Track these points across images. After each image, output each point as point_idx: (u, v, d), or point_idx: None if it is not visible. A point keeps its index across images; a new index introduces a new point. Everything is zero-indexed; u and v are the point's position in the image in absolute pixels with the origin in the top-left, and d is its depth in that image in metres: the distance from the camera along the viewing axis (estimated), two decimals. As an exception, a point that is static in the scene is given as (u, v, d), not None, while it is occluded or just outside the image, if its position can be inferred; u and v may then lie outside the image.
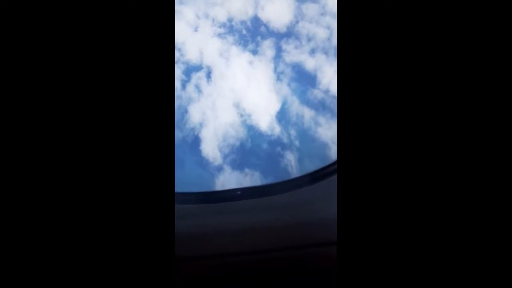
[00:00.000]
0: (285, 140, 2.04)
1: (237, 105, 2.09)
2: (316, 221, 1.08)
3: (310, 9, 2.33)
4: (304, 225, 1.08)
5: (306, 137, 2.04)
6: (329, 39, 2.26)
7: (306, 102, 2.14)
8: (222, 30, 2.30)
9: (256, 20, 2.32)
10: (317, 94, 2.17)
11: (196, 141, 1.99)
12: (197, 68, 2.19)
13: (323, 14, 2.31)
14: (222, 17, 2.33)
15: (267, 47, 2.26)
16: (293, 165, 1.97)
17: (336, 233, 0.67)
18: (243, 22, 2.32)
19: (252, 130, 2.06)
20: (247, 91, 2.13)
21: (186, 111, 2.05)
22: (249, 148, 2.03)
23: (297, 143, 2.02)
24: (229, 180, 1.91)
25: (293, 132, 2.06)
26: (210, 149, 1.97)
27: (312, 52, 2.26)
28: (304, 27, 2.30)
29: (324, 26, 2.30)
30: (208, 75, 2.17)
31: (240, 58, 2.21)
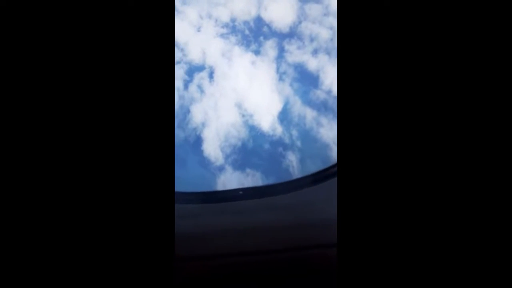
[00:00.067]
0: (287, 140, 2.04)
1: (239, 105, 2.10)
2: (318, 222, 1.07)
3: (313, 10, 2.33)
4: (305, 226, 1.08)
5: (308, 137, 2.04)
6: (332, 39, 2.26)
7: (308, 102, 2.14)
8: (224, 30, 2.30)
9: (259, 20, 2.32)
10: (320, 94, 2.17)
11: (198, 141, 2.00)
12: (200, 68, 2.20)
13: (326, 14, 2.31)
14: (225, 17, 2.33)
15: (270, 47, 2.26)
16: (294, 165, 1.97)
17: (337, 234, 0.67)
18: (246, 23, 2.32)
19: (254, 130, 2.06)
20: (249, 91, 2.13)
21: (188, 111, 2.05)
22: (251, 148, 2.03)
23: (298, 143, 2.02)
24: (230, 180, 1.91)
25: (295, 133, 2.06)
26: (212, 149, 1.98)
27: (315, 52, 2.25)
28: (307, 28, 2.30)
29: (327, 26, 2.29)
30: (211, 75, 2.17)
31: (242, 58, 2.22)
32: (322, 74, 2.20)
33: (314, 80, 2.20)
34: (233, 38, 2.28)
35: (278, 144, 2.02)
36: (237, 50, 2.24)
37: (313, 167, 1.94)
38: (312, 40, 2.26)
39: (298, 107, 2.13)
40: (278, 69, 2.20)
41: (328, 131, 2.05)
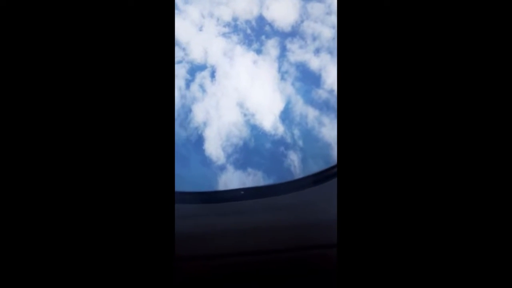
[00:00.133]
0: (289, 140, 2.04)
1: (240, 105, 2.09)
2: (319, 222, 1.07)
3: (316, 9, 2.32)
4: (306, 226, 1.08)
5: (310, 137, 2.04)
6: (334, 38, 2.25)
7: (310, 102, 2.14)
8: (226, 30, 2.30)
9: (261, 19, 2.32)
10: (322, 94, 2.16)
11: (200, 140, 2.00)
12: (202, 67, 2.20)
13: (328, 13, 2.30)
14: (227, 16, 2.32)
15: (272, 46, 2.25)
16: (296, 165, 1.97)
17: (337, 235, 0.67)
18: (247, 22, 2.32)
19: (255, 130, 2.06)
20: (251, 90, 2.13)
21: (190, 110, 2.06)
22: (252, 147, 2.03)
23: (300, 143, 2.02)
24: (231, 179, 1.91)
25: (296, 132, 2.05)
26: (214, 148, 1.98)
27: (317, 51, 2.25)
28: (309, 27, 2.29)
29: (329, 25, 2.29)
30: (212, 75, 2.17)
31: (244, 58, 2.21)
32: (324, 73, 2.19)
33: (316, 79, 2.19)
34: (235, 37, 2.27)
35: (279, 143, 2.02)
36: (239, 49, 2.24)
37: (315, 167, 1.94)
38: (314, 39, 2.25)
39: (300, 107, 2.12)
40: (280, 68, 2.19)
41: (330, 131, 2.04)
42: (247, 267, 1.06)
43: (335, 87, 2.11)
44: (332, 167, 1.19)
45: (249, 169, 1.91)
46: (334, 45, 2.20)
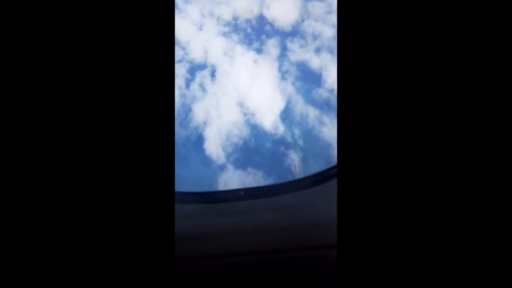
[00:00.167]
0: (289, 139, 2.04)
1: (241, 104, 2.09)
2: (319, 222, 1.07)
3: (316, 8, 2.32)
4: (307, 226, 1.08)
5: (310, 136, 2.04)
6: (335, 37, 2.25)
7: (311, 101, 2.13)
8: (227, 29, 2.29)
9: (261, 18, 2.31)
10: (322, 93, 2.16)
11: (200, 140, 2.00)
12: (202, 66, 2.19)
13: (329, 12, 2.30)
14: (227, 15, 2.32)
15: (272, 46, 2.25)
16: (296, 164, 1.97)
17: (337, 235, 0.67)
18: (248, 21, 2.31)
19: (255, 129, 2.06)
20: (251, 90, 2.13)
21: (190, 110, 2.05)
22: (253, 147, 2.02)
23: (301, 142, 2.02)
24: (231, 179, 1.91)
25: (297, 132, 2.05)
26: (214, 147, 1.97)
27: (318, 50, 2.24)
28: (310, 26, 2.29)
29: (330, 24, 2.28)
30: (213, 74, 2.17)
31: (244, 57, 2.21)
32: (324, 73, 2.19)
33: (317, 78, 2.19)
34: (235, 37, 2.27)
35: (280, 143, 2.02)
36: (239, 48, 2.23)
37: (315, 166, 1.93)
38: (315, 38, 2.25)
39: (301, 106, 2.12)
40: (280, 67, 2.19)
41: (330, 130, 2.04)
42: (247, 267, 1.06)
43: (335, 87, 2.10)
44: (332, 167, 1.19)
45: (249, 169, 1.91)
46: (334, 44, 2.20)
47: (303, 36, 2.25)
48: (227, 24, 2.30)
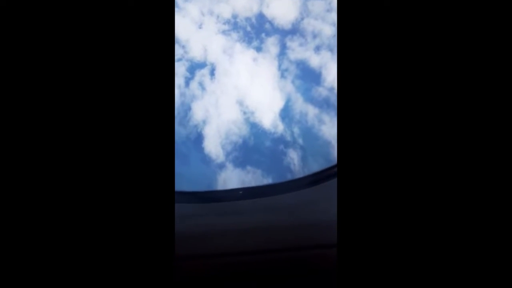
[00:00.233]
0: (288, 138, 2.04)
1: (240, 103, 2.09)
2: (319, 222, 1.08)
3: (316, 6, 2.31)
4: (306, 226, 1.08)
5: (310, 135, 2.03)
6: (334, 36, 2.24)
7: (310, 99, 2.13)
8: (226, 27, 2.29)
9: (261, 17, 2.31)
10: (322, 91, 2.15)
11: (199, 138, 1.99)
12: (201, 65, 2.19)
13: (329, 10, 2.29)
14: (226, 14, 2.31)
15: (272, 44, 2.24)
16: (296, 163, 1.96)
17: (337, 235, 0.67)
18: (247, 19, 2.31)
19: (255, 128, 2.06)
20: (250, 88, 2.12)
21: (189, 108, 2.05)
22: (252, 145, 2.02)
23: (300, 141, 2.01)
24: (231, 177, 1.91)
25: (296, 130, 2.05)
26: (213, 146, 1.97)
27: (317, 49, 2.24)
28: (310, 24, 2.28)
29: (329, 23, 2.27)
30: (212, 72, 2.16)
31: (244, 55, 2.20)
32: (324, 71, 2.19)
33: (316, 77, 2.19)
34: (234, 35, 2.26)
35: (279, 141, 2.02)
36: (239, 47, 2.23)
37: (315, 165, 1.93)
38: (314, 36, 2.24)
39: (300, 105, 2.12)
40: (280, 66, 2.19)
41: (330, 129, 2.04)
42: (247, 266, 1.07)
43: (335, 85, 2.10)
44: (332, 167, 1.19)
45: (249, 167, 1.91)
46: (334, 42, 2.19)
47: (302, 35, 2.24)
48: (227, 22, 2.29)
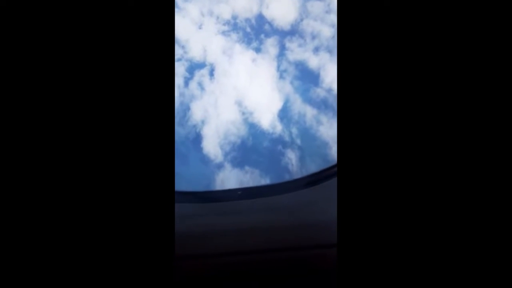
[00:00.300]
0: (287, 138, 2.04)
1: (239, 103, 2.09)
2: (318, 222, 1.08)
3: (315, 7, 2.32)
4: (305, 226, 1.08)
5: (308, 135, 2.04)
6: (333, 37, 2.25)
7: (309, 100, 2.14)
8: (226, 28, 2.29)
9: (260, 18, 2.31)
10: (320, 92, 2.16)
11: (197, 138, 1.99)
12: (200, 65, 2.19)
13: (328, 12, 2.30)
14: (226, 14, 2.31)
15: (271, 45, 2.25)
16: (294, 163, 1.97)
17: (337, 235, 0.67)
18: (247, 20, 2.31)
19: (253, 128, 2.06)
20: (249, 89, 2.13)
21: (188, 108, 2.05)
22: (250, 146, 2.03)
23: (298, 141, 2.02)
24: (229, 177, 1.91)
25: (294, 131, 2.05)
26: (211, 146, 1.97)
27: (316, 50, 2.24)
28: (309, 25, 2.29)
29: (329, 24, 2.28)
30: (211, 73, 2.16)
31: (243, 56, 2.21)
32: (322, 72, 2.19)
33: (315, 78, 2.19)
34: (234, 36, 2.26)
35: (277, 142, 2.02)
36: (238, 47, 2.23)
37: (313, 165, 1.94)
38: (313, 37, 2.25)
39: (298, 105, 2.12)
40: (278, 67, 2.19)
41: (327, 130, 2.05)
42: (246, 266, 1.07)
43: (333, 86, 2.11)
44: (330, 168, 1.19)
45: (247, 167, 1.91)
46: (333, 43, 2.20)
47: (301, 36, 2.25)
48: (227, 23, 2.29)
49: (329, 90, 2.13)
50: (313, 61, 2.17)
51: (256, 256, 1.05)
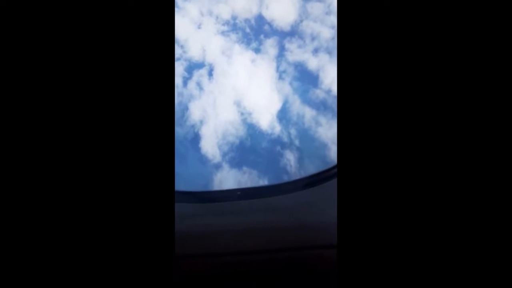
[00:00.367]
0: (285, 139, 2.04)
1: (238, 103, 2.09)
2: (316, 223, 1.08)
3: (315, 8, 2.32)
4: (304, 227, 1.08)
5: (306, 137, 2.04)
6: (333, 38, 2.26)
7: (308, 101, 2.14)
8: (225, 28, 2.29)
9: (260, 18, 2.31)
10: (319, 94, 2.16)
11: (196, 138, 1.99)
12: (199, 65, 2.19)
13: (328, 13, 2.30)
14: (226, 14, 2.31)
15: (270, 45, 2.25)
16: (292, 164, 1.97)
17: (336, 236, 0.67)
18: (247, 20, 2.31)
19: (252, 129, 2.06)
20: (248, 89, 2.13)
21: (186, 108, 2.05)
22: (249, 146, 2.02)
23: (297, 142, 2.02)
24: (227, 178, 1.91)
25: (293, 132, 2.05)
26: (210, 146, 1.97)
27: (315, 51, 2.25)
28: (308, 26, 2.29)
29: (328, 25, 2.29)
30: (210, 73, 2.16)
31: (242, 56, 2.21)
32: (322, 73, 2.20)
33: (314, 79, 2.20)
34: (233, 36, 2.26)
35: (276, 142, 2.02)
36: (237, 48, 2.23)
37: (311, 166, 1.94)
38: (313, 39, 2.25)
39: (297, 106, 2.13)
40: (278, 67, 2.19)
41: (326, 131, 2.05)
42: (245, 266, 1.07)
43: (332, 87, 2.11)
44: (329, 169, 1.20)
45: (245, 168, 1.91)
46: (332, 45, 2.20)
47: (301, 37, 2.25)
48: (226, 23, 2.29)
49: (328, 92, 2.13)
50: (313, 62, 2.18)
51: (255, 256, 1.05)
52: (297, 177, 1.59)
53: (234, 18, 2.30)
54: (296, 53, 2.21)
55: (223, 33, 2.26)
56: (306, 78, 2.17)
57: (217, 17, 2.30)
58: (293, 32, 2.25)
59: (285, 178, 1.92)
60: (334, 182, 1.11)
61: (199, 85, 2.11)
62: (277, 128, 2.04)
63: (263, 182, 1.89)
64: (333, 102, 2.12)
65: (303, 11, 2.28)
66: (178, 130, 2.00)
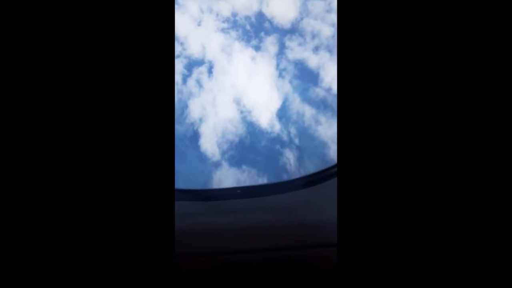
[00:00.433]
0: (285, 137, 2.04)
1: (237, 101, 2.09)
2: (315, 222, 1.08)
3: (316, 6, 2.31)
4: (303, 226, 1.08)
5: (306, 135, 2.04)
6: (333, 36, 2.25)
7: (308, 100, 2.14)
8: (225, 25, 2.28)
9: (260, 15, 2.30)
10: (319, 92, 2.16)
11: (195, 136, 1.99)
12: (199, 62, 2.18)
13: (328, 11, 2.29)
14: (226, 11, 2.31)
15: (270, 43, 2.24)
16: (291, 163, 1.97)
17: (336, 234, 0.67)
18: (247, 18, 2.30)
19: (251, 127, 2.06)
20: (248, 87, 2.12)
21: (186, 106, 2.04)
22: (248, 144, 2.02)
23: (296, 141, 2.02)
24: (226, 176, 1.90)
25: (293, 130, 2.05)
26: (209, 144, 1.97)
27: (316, 49, 2.24)
28: (309, 24, 2.29)
29: (329, 23, 2.28)
30: (210, 70, 2.16)
31: (242, 54, 2.20)
32: (322, 72, 2.19)
33: (314, 77, 2.19)
34: (233, 33, 2.26)
35: (275, 141, 2.02)
36: (237, 45, 2.22)
37: (311, 165, 1.94)
38: (313, 37, 2.25)
39: (297, 105, 2.12)
40: (278, 65, 2.19)
41: (326, 129, 2.05)
42: (245, 265, 1.07)
43: (332, 86, 2.11)
44: (328, 168, 1.19)
45: (244, 166, 1.91)
46: (333, 43, 2.20)
47: (301, 34, 2.24)
48: (226, 20, 2.28)
49: (329, 90, 2.13)
50: (313, 60, 2.17)
51: (255, 254, 1.05)
52: (297, 176, 1.59)
53: (234, 15, 2.29)
54: (296, 51, 2.20)
55: (223, 30, 2.25)
56: (306, 76, 2.17)
57: (217, 14, 2.29)
58: (294, 30, 2.25)
59: (285, 177, 1.92)
60: (333, 181, 1.11)
61: (198, 83, 2.11)
62: (277, 127, 2.04)
63: (263, 180, 1.89)
64: (333, 101, 2.12)
65: (303, 8, 2.28)
66: (178, 128, 1.99)
